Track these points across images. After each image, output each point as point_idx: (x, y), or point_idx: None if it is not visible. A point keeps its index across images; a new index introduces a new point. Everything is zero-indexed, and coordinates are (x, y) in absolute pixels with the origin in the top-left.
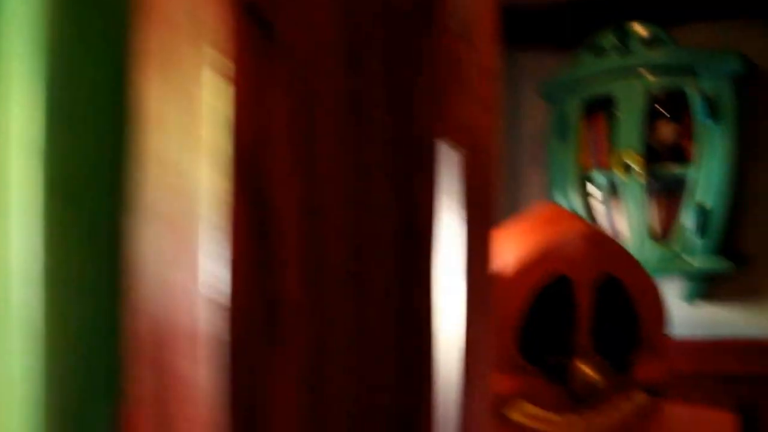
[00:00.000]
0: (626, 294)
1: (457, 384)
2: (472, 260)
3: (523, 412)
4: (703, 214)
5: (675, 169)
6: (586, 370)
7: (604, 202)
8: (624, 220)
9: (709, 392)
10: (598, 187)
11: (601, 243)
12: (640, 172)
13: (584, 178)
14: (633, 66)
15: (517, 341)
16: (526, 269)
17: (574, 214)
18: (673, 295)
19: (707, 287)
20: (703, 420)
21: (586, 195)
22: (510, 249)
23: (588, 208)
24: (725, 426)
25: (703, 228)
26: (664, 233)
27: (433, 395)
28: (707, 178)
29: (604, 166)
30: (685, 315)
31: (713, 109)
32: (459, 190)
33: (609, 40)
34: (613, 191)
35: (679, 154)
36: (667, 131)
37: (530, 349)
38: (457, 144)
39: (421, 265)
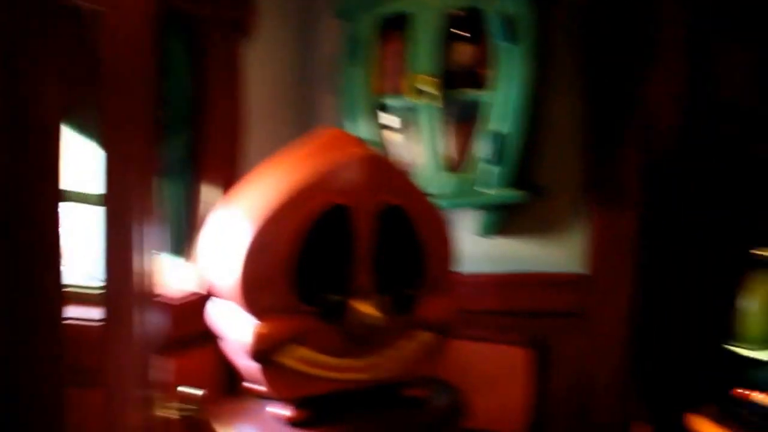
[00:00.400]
0: (411, 227)
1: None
2: (113, 136)
3: (297, 357)
4: (498, 142)
5: (472, 94)
6: (365, 309)
7: (399, 129)
8: (419, 148)
9: (503, 328)
10: (393, 113)
11: (384, 171)
12: (436, 97)
13: (378, 104)
14: None
15: (292, 279)
16: (299, 199)
17: (358, 140)
18: (468, 228)
19: (503, 219)
20: (497, 356)
21: (380, 122)
22: (284, 178)
23: (382, 135)
24: (518, 361)
25: (498, 157)
26: (459, 163)
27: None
28: (503, 104)
29: (398, 91)
30: (480, 249)
31: (511, 30)
32: (94, 54)
33: None
34: (408, 118)
35: (476, 79)
36: (464, 53)
37: (306, 288)
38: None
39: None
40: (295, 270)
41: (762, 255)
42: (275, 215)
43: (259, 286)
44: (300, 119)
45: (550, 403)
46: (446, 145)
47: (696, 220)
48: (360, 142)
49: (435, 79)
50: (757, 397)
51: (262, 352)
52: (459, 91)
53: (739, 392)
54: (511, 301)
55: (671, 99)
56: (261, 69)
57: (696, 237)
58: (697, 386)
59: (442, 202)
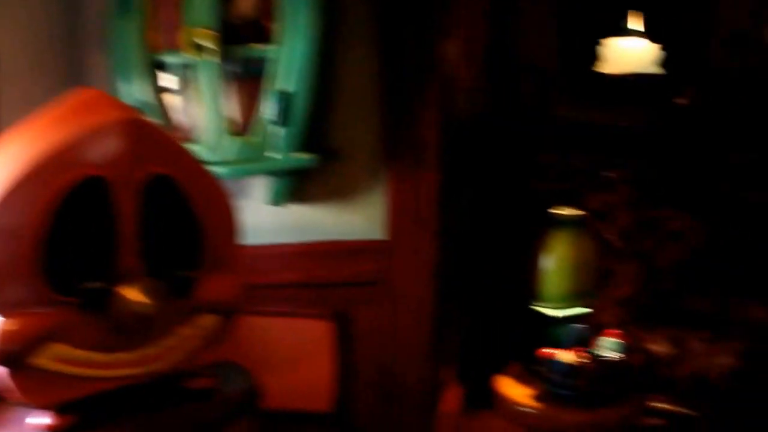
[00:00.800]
0: (184, 200)
1: None
2: None
3: (54, 356)
4: (286, 102)
5: (256, 50)
6: (133, 296)
7: (179, 90)
8: (200, 110)
9: (303, 301)
10: (171, 71)
11: (149, 137)
12: (215, 53)
13: (154, 62)
14: None
15: (41, 266)
16: (45, 172)
17: (118, 103)
18: (258, 196)
19: (295, 186)
20: (298, 331)
21: (156, 82)
22: (27, 148)
23: (159, 97)
24: (321, 335)
25: (285, 118)
26: (245, 125)
27: None
28: (290, 59)
29: (176, 47)
30: (274, 218)
31: None
32: None
33: None
34: (187, 77)
35: (261, 32)
36: (246, 4)
37: (60, 276)
38: None
39: None
40: (45, 256)
41: (559, 214)
42: (14, 192)
43: (0, 277)
44: (66, 81)
45: (357, 375)
46: (230, 106)
47: (498, 180)
48: (121, 104)
49: (214, 33)
50: (558, 354)
51: (10, 354)
52: (242, 47)
53: (542, 351)
54: (310, 273)
55: (472, 57)
56: (14, 20)
57: (498, 197)
58: (505, 347)
59: (227, 170)
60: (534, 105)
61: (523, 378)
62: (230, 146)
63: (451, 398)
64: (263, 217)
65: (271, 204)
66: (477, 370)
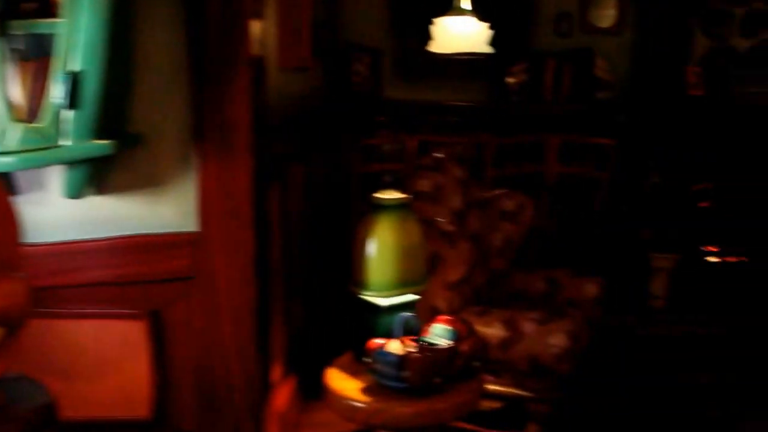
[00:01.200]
0: None
1: None
2: None
3: None
4: (74, 82)
5: (40, 26)
6: None
7: None
8: None
9: (112, 301)
10: None
11: None
12: None
13: None
14: None
15: None
16: None
17: None
18: (53, 188)
19: (94, 176)
20: (109, 333)
21: None
22: None
23: None
24: (133, 337)
25: (76, 101)
26: (33, 111)
27: None
28: (77, 36)
29: None
30: (72, 212)
31: None
32: None
33: None
34: None
35: (46, 6)
36: None
37: None
38: None
39: None
40: None
41: (382, 198)
42: None
43: None
44: None
45: (176, 377)
46: (14, 89)
47: (325, 164)
48: None
49: None
50: (387, 345)
51: None
52: (24, 21)
53: (371, 342)
54: (118, 270)
55: (297, 37)
56: None
57: (326, 182)
58: (338, 337)
59: (13, 160)
60: (365, 85)
61: (354, 370)
62: (15, 134)
63: (281, 394)
64: (61, 212)
65: (69, 196)
66: (311, 362)
